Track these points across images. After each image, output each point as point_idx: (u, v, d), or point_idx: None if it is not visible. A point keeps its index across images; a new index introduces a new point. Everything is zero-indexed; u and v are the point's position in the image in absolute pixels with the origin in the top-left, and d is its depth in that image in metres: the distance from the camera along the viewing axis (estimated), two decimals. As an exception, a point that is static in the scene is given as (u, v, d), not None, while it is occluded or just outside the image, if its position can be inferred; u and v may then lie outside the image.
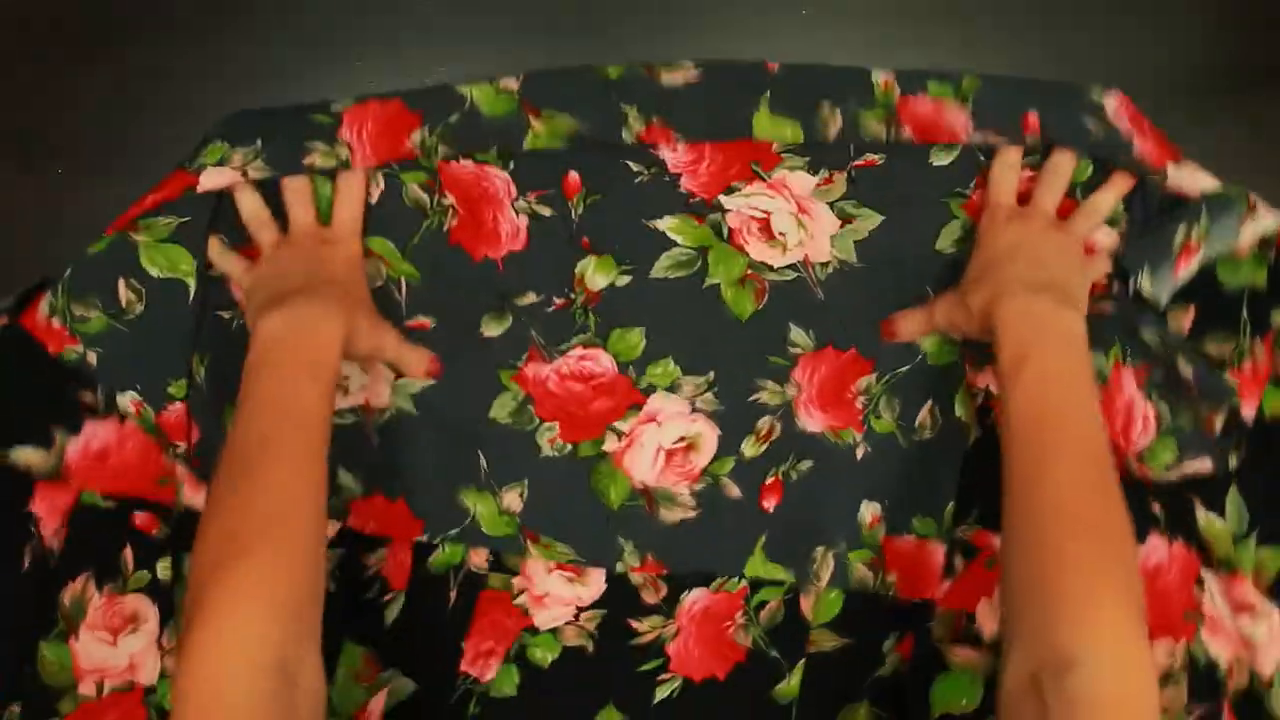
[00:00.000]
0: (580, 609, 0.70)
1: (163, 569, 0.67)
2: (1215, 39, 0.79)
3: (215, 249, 0.70)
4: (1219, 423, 0.68)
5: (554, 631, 0.70)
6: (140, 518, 0.67)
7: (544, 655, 0.70)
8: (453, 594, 0.70)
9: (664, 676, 0.69)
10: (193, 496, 0.68)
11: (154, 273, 0.70)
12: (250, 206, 0.70)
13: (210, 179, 0.69)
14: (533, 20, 0.77)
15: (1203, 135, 0.76)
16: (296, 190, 0.70)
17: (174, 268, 0.70)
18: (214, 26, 0.76)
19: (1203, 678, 0.67)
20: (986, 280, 0.66)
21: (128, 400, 0.68)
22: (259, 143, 0.71)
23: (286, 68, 0.76)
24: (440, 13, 0.77)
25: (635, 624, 0.70)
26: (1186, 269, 0.70)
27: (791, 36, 0.77)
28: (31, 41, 0.76)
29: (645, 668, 0.70)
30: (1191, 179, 0.71)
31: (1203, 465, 0.68)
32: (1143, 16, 0.79)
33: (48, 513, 0.67)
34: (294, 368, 0.61)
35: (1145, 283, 0.70)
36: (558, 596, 0.70)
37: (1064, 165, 0.70)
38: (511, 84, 0.72)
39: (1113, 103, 0.73)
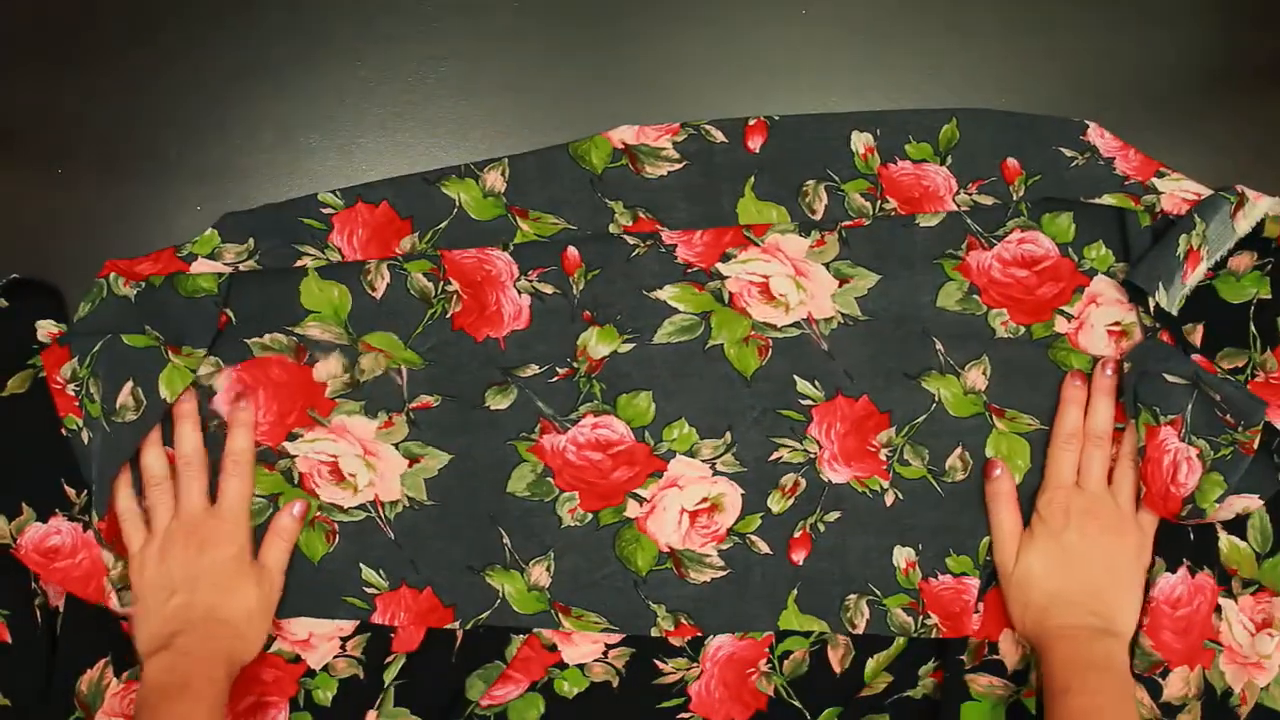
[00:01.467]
0: (609, 645, 0.73)
1: None
2: (1210, 40, 0.77)
3: (123, 499, 0.70)
4: (1257, 441, 0.67)
5: (582, 667, 0.72)
6: None
7: (570, 689, 0.72)
8: (459, 634, 0.72)
9: (683, 716, 0.72)
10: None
11: (164, 395, 0.69)
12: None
13: (202, 269, 0.71)
14: (534, 14, 0.76)
15: (1197, 136, 0.76)
16: (186, 460, 0.70)
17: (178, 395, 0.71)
18: (214, 26, 0.76)
19: (1218, 705, 0.70)
20: (1034, 608, 0.69)
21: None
22: (252, 241, 0.72)
23: (286, 68, 0.76)
24: (441, 10, 0.76)
25: (661, 664, 0.73)
26: (1195, 274, 0.70)
27: (792, 36, 0.76)
28: (30, 41, 0.76)
29: (665, 705, 0.72)
30: (1180, 190, 0.72)
31: (1252, 503, 0.68)
32: (1143, 15, 0.77)
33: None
34: (183, 704, 0.62)
35: (1162, 299, 0.70)
36: (587, 634, 0.73)
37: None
38: (498, 184, 0.73)
39: (1092, 128, 0.73)
